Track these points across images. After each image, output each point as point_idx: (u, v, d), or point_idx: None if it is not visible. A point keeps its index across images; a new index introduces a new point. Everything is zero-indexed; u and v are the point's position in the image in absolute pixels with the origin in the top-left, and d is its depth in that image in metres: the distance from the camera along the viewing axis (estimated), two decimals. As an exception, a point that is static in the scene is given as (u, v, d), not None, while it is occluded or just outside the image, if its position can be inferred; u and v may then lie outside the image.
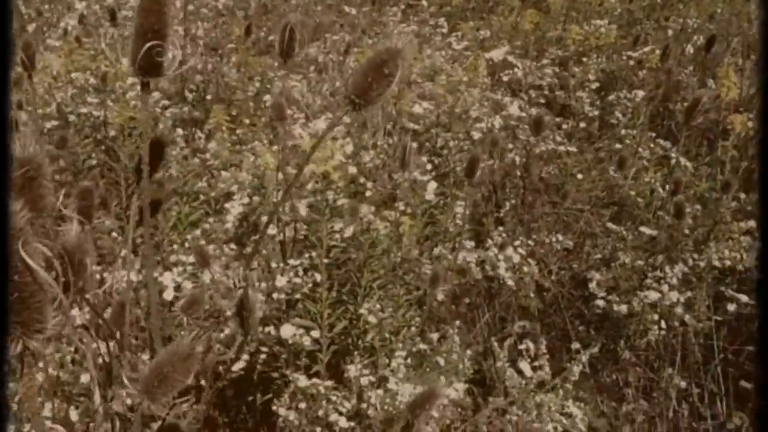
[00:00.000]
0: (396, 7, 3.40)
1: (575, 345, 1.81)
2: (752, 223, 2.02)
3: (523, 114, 2.06)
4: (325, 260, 1.45)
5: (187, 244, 1.60)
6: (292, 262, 1.46)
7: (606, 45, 2.46)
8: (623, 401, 1.74)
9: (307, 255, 1.48)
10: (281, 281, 1.39)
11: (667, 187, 1.98)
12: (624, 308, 1.60)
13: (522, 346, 1.67)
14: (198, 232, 1.66)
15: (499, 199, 2.18)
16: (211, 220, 1.72)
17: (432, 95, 2.13)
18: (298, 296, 1.44)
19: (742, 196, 1.97)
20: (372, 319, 1.38)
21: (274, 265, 1.52)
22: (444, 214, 2.04)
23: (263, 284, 1.41)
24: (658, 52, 2.48)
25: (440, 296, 1.83)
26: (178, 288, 1.44)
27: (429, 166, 2.01)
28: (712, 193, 1.95)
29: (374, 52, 0.75)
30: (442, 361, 1.35)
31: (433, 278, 1.33)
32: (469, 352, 1.58)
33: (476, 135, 2.09)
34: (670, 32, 3.05)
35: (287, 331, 1.34)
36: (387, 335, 1.39)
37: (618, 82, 2.48)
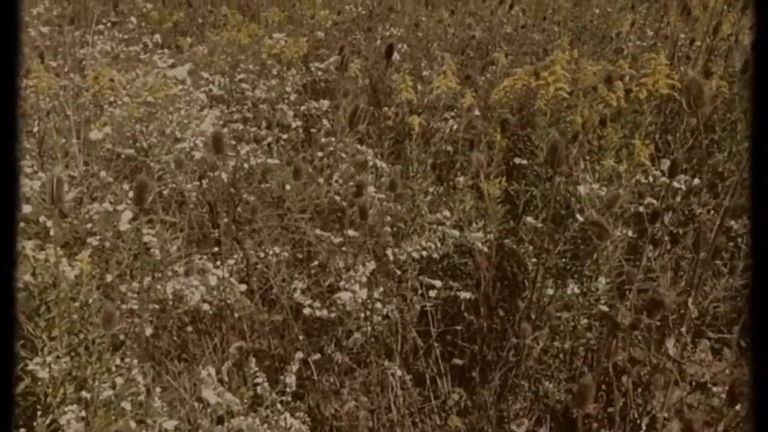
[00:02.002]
0: (102, 24, 3.18)
1: (299, 354, 1.83)
2: (447, 213, 2.22)
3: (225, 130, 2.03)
4: None
5: None
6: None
7: (299, 58, 2.54)
8: (344, 404, 1.79)
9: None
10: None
11: (370, 188, 2.10)
12: (325, 312, 1.64)
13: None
14: None
15: (215, 219, 2.13)
16: None
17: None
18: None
19: (432, 189, 2.15)
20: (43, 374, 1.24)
21: None
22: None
23: None
24: (357, 62, 2.62)
25: (148, 331, 1.73)
26: None
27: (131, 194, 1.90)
28: (407, 190, 2.10)
29: None
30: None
31: (104, 318, 1.24)
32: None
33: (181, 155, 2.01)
34: (377, 42, 3.26)
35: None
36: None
37: (324, 92, 2.57)
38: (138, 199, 1.31)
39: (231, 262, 1.87)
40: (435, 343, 2.10)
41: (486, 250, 2.04)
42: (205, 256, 1.96)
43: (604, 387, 1.59)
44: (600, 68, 2.60)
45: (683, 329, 1.43)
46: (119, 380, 1.32)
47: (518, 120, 2.95)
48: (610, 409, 1.93)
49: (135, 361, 1.34)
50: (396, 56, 3.17)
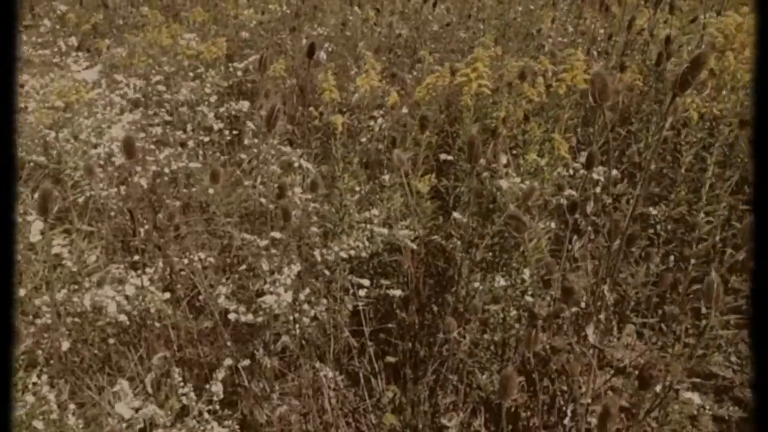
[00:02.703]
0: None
1: (228, 361, 1.79)
2: (375, 211, 2.21)
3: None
4: None
5: None
6: None
7: (220, 58, 2.49)
8: (275, 409, 1.77)
9: None
10: None
11: (297, 189, 2.07)
12: (251, 317, 1.61)
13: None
14: None
15: (136, 227, 2.06)
16: None
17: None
18: None
19: (358, 188, 2.14)
20: None
21: None
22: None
23: None
24: (282, 62, 2.59)
25: (65, 345, 1.66)
26: None
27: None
28: (335, 190, 2.08)
29: None
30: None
31: None
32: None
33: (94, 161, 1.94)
34: (304, 41, 3.23)
35: None
36: None
37: (252, 93, 2.53)
38: (42, 208, 1.25)
39: (152, 270, 1.81)
40: (368, 341, 2.09)
41: (414, 247, 2.05)
42: (124, 266, 1.90)
43: (535, 376, 1.62)
44: (523, 64, 2.65)
45: (602, 316, 1.47)
46: (30, 398, 1.26)
47: (446, 116, 2.98)
48: (543, 397, 1.98)
49: (45, 378, 1.28)
50: (323, 56, 3.15)
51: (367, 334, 2.09)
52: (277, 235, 1.93)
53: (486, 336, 2.08)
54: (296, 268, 1.59)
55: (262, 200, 1.99)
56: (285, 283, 1.55)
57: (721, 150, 2.04)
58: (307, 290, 1.64)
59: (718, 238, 2.23)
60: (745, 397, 2.18)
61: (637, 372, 1.34)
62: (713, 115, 2.03)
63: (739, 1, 3.02)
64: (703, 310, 1.79)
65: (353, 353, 2.12)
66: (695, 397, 1.52)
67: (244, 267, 2.06)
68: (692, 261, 2.06)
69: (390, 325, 2.20)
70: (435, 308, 2.33)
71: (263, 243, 1.94)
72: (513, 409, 2.02)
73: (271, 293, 1.53)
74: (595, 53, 3.16)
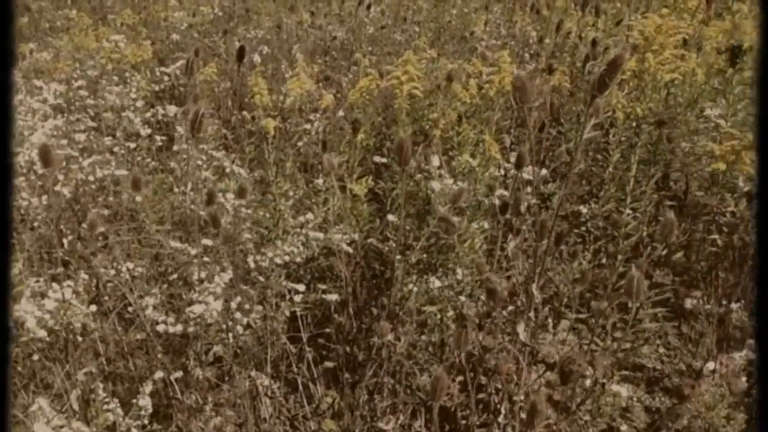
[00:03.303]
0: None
1: (159, 374, 1.74)
2: (310, 216, 2.20)
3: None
4: None
5: None
6: None
7: (146, 62, 2.43)
8: (209, 420, 1.73)
9: None
10: None
11: (230, 195, 2.03)
12: (180, 328, 1.57)
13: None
14: None
15: (60, 238, 1.99)
16: None
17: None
18: None
19: (292, 192, 2.12)
20: None
21: None
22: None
23: None
24: (213, 65, 2.54)
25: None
26: None
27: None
28: (268, 195, 2.06)
29: None
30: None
31: None
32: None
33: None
34: (237, 44, 3.18)
35: None
36: None
37: (185, 97, 2.48)
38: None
39: (75, 282, 1.74)
40: (306, 347, 2.07)
41: (350, 250, 2.04)
42: (44, 279, 1.82)
43: (466, 375, 1.63)
44: (456, 67, 2.68)
45: (531, 314, 1.50)
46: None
47: (384, 119, 2.99)
48: (480, 395, 2.00)
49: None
50: (257, 59, 3.11)
51: (305, 340, 2.07)
52: (208, 242, 1.89)
53: (424, 337, 2.09)
54: (226, 276, 1.56)
55: (193, 207, 1.95)
56: (214, 292, 1.52)
57: (645, 148, 2.11)
58: (239, 298, 1.61)
59: (645, 233, 2.30)
60: (674, 386, 2.25)
61: (562, 367, 1.37)
62: (636, 115, 2.10)
63: (662, 3, 3.13)
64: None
65: (291, 360, 2.09)
66: (623, 390, 1.56)
67: (175, 276, 2.01)
68: (619, 257, 2.12)
69: (328, 330, 2.19)
70: (374, 311, 2.32)
71: (194, 251, 1.90)
72: (453, 409, 2.03)
73: (200, 302, 1.49)
74: (527, 56, 3.22)
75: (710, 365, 2.00)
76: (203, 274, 1.57)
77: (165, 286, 1.98)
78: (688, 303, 1.96)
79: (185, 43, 3.23)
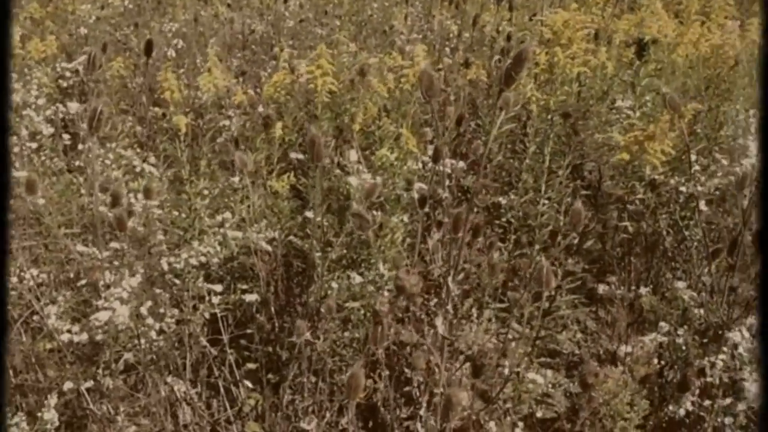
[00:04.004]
0: None
1: (68, 384, 1.66)
2: (227, 214, 2.14)
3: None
4: None
5: None
6: None
7: (48, 57, 2.31)
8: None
9: None
10: None
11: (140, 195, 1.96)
12: (85, 336, 1.50)
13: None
14: None
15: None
16: None
17: None
18: None
19: (207, 191, 2.06)
20: None
21: None
22: None
23: None
24: (121, 60, 2.44)
25: None
26: None
27: None
28: (183, 195, 1.99)
29: None
30: None
31: None
32: None
33: None
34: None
35: None
36: None
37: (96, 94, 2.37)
38: None
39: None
40: (228, 349, 2.02)
41: (269, 249, 2.00)
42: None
43: (380, 370, 1.63)
44: (377, 61, 2.67)
45: (449, 307, 1.51)
46: None
47: (306, 113, 2.95)
48: (406, 388, 2.00)
49: None
50: (171, 53, 3.01)
51: (227, 342, 2.02)
52: (116, 245, 1.81)
53: (347, 334, 2.07)
54: (134, 280, 1.50)
55: (101, 209, 1.86)
56: (121, 297, 1.45)
57: (558, 140, 2.16)
58: (150, 302, 1.55)
59: (562, 223, 2.36)
60: (579, 375, 2.33)
61: (474, 359, 1.38)
62: (548, 108, 2.15)
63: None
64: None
65: (212, 363, 2.04)
66: (538, 377, 1.59)
67: (84, 282, 1.92)
68: (536, 246, 2.17)
69: (250, 331, 2.14)
70: (299, 309, 2.29)
71: (103, 255, 1.81)
72: (378, 404, 2.03)
73: (106, 309, 1.43)
74: (447, 49, 3.25)
75: (624, 348, 2.08)
76: (110, 279, 1.50)
77: (73, 292, 1.89)
78: (601, 289, 2.03)
79: (94, 37, 3.08)
